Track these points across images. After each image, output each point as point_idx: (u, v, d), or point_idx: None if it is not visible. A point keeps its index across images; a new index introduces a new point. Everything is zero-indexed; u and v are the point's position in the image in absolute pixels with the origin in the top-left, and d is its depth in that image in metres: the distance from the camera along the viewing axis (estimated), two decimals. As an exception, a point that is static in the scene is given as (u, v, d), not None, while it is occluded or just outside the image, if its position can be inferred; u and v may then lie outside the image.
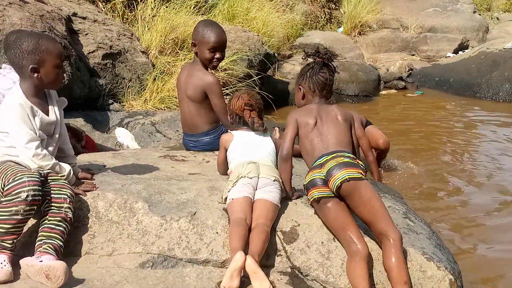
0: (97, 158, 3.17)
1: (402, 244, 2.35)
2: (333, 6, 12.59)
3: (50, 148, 2.48)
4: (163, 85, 6.15)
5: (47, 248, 2.22)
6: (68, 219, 2.33)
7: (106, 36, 6.00)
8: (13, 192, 2.18)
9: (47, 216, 2.31)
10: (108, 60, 5.85)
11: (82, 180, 2.62)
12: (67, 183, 2.43)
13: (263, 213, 2.45)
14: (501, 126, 7.17)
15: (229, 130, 3.00)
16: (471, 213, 4.28)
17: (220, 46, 3.45)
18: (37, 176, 2.27)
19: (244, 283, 2.21)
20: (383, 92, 9.52)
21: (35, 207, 2.24)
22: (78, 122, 4.68)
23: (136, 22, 7.20)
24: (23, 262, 2.21)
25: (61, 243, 2.27)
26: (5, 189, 2.22)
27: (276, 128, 3.33)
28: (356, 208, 2.45)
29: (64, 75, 2.61)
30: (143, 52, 6.34)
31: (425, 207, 4.30)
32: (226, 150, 2.88)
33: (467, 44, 11.71)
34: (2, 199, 2.24)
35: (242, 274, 2.19)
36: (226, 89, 6.30)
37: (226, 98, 3.47)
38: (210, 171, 3.05)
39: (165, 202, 2.57)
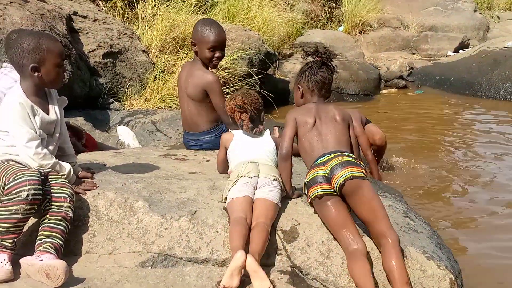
0: (98, 157, 3.17)
1: (400, 245, 2.35)
2: (334, 5, 12.58)
3: (51, 147, 2.48)
4: (163, 84, 6.15)
5: (47, 247, 2.22)
6: (68, 218, 2.33)
7: (106, 35, 6.00)
8: (14, 191, 2.18)
9: (47, 215, 2.31)
10: (108, 59, 5.84)
11: (83, 179, 2.62)
12: (68, 182, 2.44)
13: (263, 212, 2.45)
14: (501, 125, 7.17)
15: (229, 130, 3.01)
16: (472, 212, 4.28)
17: (219, 45, 3.44)
18: (38, 175, 2.27)
19: (245, 282, 2.21)
20: (384, 91, 9.51)
21: (36, 206, 2.24)
22: (79, 121, 4.68)
23: (136, 21, 7.21)
24: (23, 261, 2.20)
25: (61, 242, 2.27)
26: (5, 188, 2.22)
27: (276, 127, 3.33)
28: (356, 207, 2.46)
29: (65, 74, 2.60)
30: (143, 51, 6.33)
31: (426, 206, 4.30)
32: (226, 149, 2.89)
33: (468, 43, 11.68)
34: (2, 198, 2.24)
35: (242, 273, 2.19)
36: (227, 88, 6.29)
37: (227, 97, 3.47)
38: (211, 170, 3.05)
39: (165, 201, 2.57)
